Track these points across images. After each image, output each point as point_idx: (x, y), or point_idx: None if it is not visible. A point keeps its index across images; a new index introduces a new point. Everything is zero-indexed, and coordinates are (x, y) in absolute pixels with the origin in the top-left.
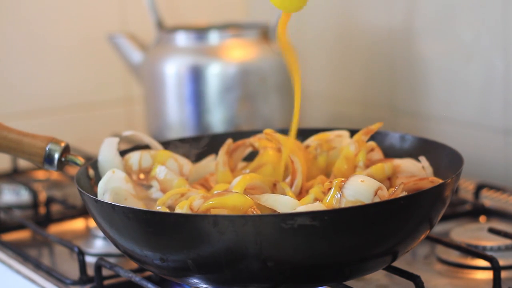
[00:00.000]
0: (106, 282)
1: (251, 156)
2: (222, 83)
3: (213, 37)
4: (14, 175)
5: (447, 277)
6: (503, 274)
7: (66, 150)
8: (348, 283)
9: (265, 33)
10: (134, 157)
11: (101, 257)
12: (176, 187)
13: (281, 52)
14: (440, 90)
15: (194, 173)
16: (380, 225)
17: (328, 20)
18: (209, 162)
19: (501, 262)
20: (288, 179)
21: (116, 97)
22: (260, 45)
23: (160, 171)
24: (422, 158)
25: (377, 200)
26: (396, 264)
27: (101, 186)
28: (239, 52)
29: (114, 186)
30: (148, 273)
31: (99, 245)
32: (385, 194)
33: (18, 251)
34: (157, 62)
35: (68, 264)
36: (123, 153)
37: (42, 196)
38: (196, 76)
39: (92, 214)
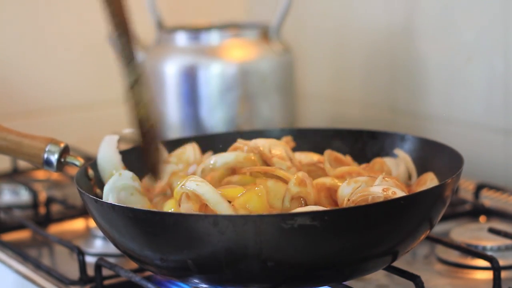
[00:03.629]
0: (106, 282)
1: None
2: (222, 83)
3: (213, 37)
4: (14, 175)
5: (447, 277)
6: (503, 274)
7: (65, 151)
8: (348, 283)
9: (265, 33)
10: (188, 150)
11: (101, 257)
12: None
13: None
14: (440, 90)
15: None
16: (380, 225)
17: (328, 20)
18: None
19: (501, 262)
20: None
21: (116, 97)
22: (260, 45)
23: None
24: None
25: None
26: (396, 264)
27: (107, 188)
28: (239, 52)
29: (122, 184)
30: (148, 273)
31: (99, 245)
32: None
33: (18, 251)
34: (157, 62)
35: (68, 264)
36: (123, 153)
37: (42, 196)
38: (196, 76)
39: (92, 214)
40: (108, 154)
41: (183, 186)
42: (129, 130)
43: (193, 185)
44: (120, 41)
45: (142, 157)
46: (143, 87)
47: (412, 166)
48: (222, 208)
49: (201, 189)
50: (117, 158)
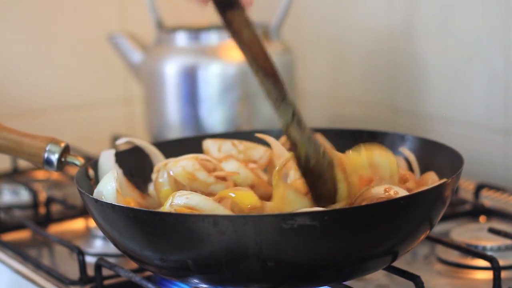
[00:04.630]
0: (106, 282)
1: None
2: (222, 83)
3: (213, 37)
4: (14, 175)
5: (447, 277)
6: (503, 274)
7: (66, 150)
8: (348, 283)
9: (265, 33)
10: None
11: (101, 257)
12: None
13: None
14: (440, 90)
15: None
16: (380, 225)
17: (328, 20)
18: None
19: (501, 262)
20: None
21: (116, 97)
22: None
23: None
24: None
25: None
26: (396, 264)
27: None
28: (239, 52)
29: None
30: (148, 273)
31: (99, 245)
32: None
33: (18, 251)
34: (157, 62)
35: (68, 264)
36: (122, 153)
37: (42, 196)
38: (196, 76)
39: (92, 214)
40: (109, 170)
41: (172, 204)
42: (122, 141)
43: (183, 199)
44: (266, 83)
45: (312, 194)
46: (300, 125)
47: (416, 165)
48: (220, 212)
49: (192, 201)
50: (119, 172)
